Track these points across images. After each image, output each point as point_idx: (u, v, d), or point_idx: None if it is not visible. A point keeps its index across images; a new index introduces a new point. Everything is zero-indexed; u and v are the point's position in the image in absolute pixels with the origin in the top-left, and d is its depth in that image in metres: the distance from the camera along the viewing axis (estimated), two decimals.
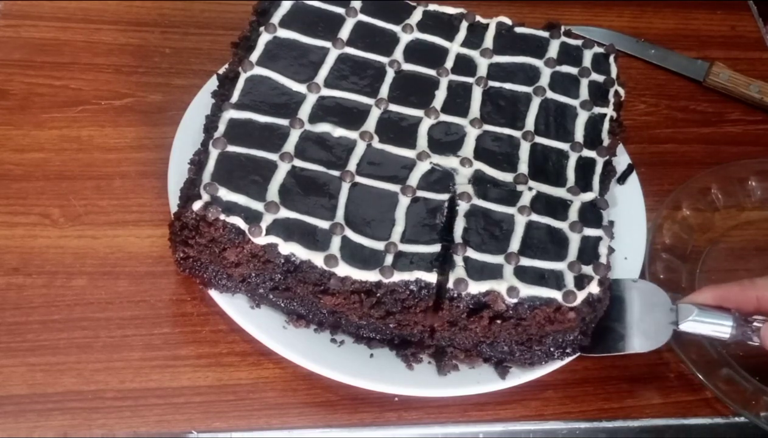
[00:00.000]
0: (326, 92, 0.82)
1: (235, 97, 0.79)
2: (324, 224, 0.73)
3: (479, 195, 0.77)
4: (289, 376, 0.77)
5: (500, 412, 0.78)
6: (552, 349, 0.76)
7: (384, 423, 0.76)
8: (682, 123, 1.03)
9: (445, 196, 0.77)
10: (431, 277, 0.72)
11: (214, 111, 0.81)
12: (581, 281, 0.72)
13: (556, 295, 0.71)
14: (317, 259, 0.71)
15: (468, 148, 0.81)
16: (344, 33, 0.86)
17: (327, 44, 0.85)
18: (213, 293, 0.77)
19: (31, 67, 0.94)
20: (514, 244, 0.74)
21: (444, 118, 0.83)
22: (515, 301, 0.71)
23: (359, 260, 0.72)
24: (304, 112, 0.80)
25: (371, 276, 0.71)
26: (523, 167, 0.81)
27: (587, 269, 0.73)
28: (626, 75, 0.92)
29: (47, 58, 0.96)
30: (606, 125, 0.85)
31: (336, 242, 0.72)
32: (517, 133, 0.83)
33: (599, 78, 0.88)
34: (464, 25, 0.90)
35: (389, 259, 0.72)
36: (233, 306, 0.77)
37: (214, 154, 0.75)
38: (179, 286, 0.81)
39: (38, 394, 0.74)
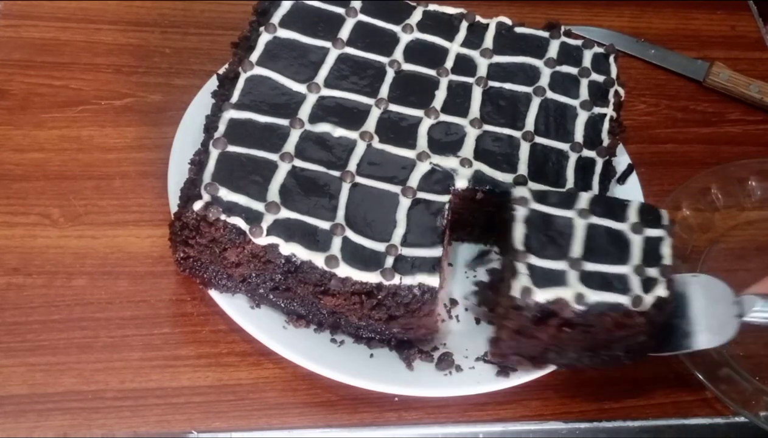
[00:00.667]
0: (326, 92, 0.82)
1: (235, 97, 0.79)
2: (325, 225, 0.73)
3: (537, 199, 0.76)
4: (289, 376, 0.77)
5: (500, 412, 0.78)
6: (619, 353, 0.75)
7: (384, 423, 0.76)
8: (682, 123, 1.03)
9: (445, 198, 0.77)
10: (433, 281, 0.72)
11: (214, 111, 0.81)
12: (648, 285, 0.71)
13: (624, 300, 0.70)
14: (318, 259, 0.71)
15: (468, 149, 0.81)
16: (344, 33, 0.86)
17: (327, 44, 0.85)
18: (213, 293, 0.77)
19: (31, 67, 0.94)
20: (576, 249, 0.73)
21: (444, 118, 0.83)
22: (583, 308, 0.70)
23: (360, 261, 0.72)
24: (304, 112, 0.80)
25: (372, 277, 0.71)
26: (523, 168, 0.81)
27: (652, 271, 0.72)
28: (626, 75, 0.92)
29: (47, 58, 0.96)
30: (606, 125, 0.85)
31: (337, 243, 0.72)
32: (517, 134, 0.83)
33: (599, 78, 0.88)
34: (464, 25, 0.90)
35: (390, 261, 0.72)
36: (233, 306, 0.77)
37: (214, 154, 0.75)
38: (179, 286, 0.81)
39: (38, 394, 0.74)
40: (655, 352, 0.76)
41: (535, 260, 0.72)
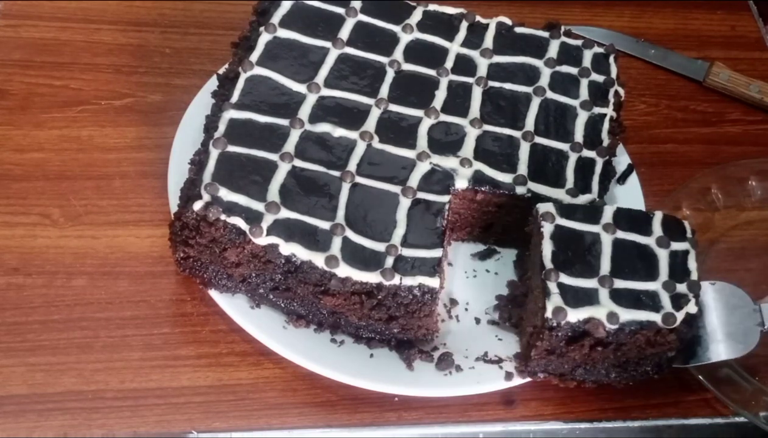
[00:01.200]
0: (326, 92, 0.82)
1: (235, 97, 0.79)
2: (325, 225, 0.73)
3: (562, 214, 0.75)
4: (289, 376, 0.77)
5: (500, 412, 0.78)
6: (648, 369, 0.75)
7: (384, 423, 0.76)
8: (682, 123, 1.03)
9: (445, 198, 0.77)
10: (434, 282, 0.72)
11: (214, 111, 0.81)
12: (678, 301, 0.71)
13: (655, 317, 0.70)
14: (318, 259, 0.71)
15: (468, 149, 0.81)
16: (344, 33, 0.86)
17: (327, 44, 0.85)
18: (213, 293, 0.77)
19: (31, 67, 0.94)
20: (605, 266, 0.73)
21: (444, 118, 0.83)
22: (615, 327, 0.70)
23: (360, 261, 0.72)
24: (304, 112, 0.80)
25: (372, 277, 0.71)
26: (523, 168, 0.81)
27: (681, 288, 0.72)
28: (626, 75, 0.92)
29: (47, 58, 0.96)
30: (606, 125, 0.85)
31: (337, 243, 0.72)
32: (517, 134, 0.83)
33: (599, 78, 0.88)
34: (464, 25, 0.90)
35: (390, 262, 0.72)
36: (233, 306, 0.77)
37: (214, 154, 0.75)
38: (179, 286, 0.81)
39: (38, 394, 0.74)
40: (681, 365, 0.76)
41: (565, 279, 0.71)
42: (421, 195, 0.77)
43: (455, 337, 0.79)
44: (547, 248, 0.73)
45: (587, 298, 0.71)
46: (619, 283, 0.72)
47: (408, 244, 0.74)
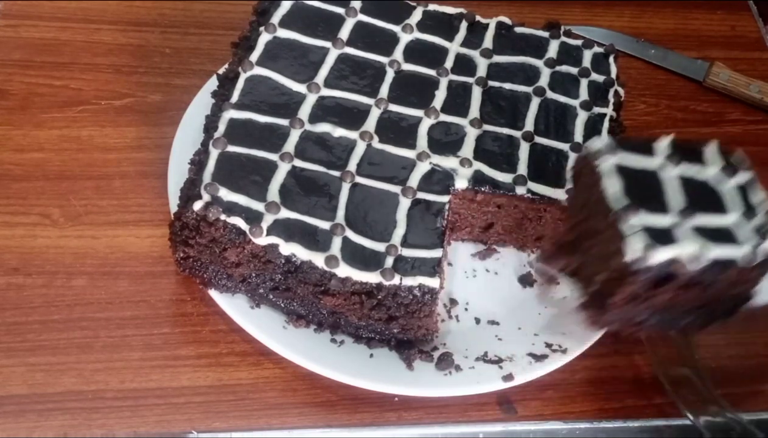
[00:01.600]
0: (326, 92, 0.82)
1: (235, 97, 0.79)
2: (325, 225, 0.73)
3: (617, 149, 0.67)
4: (289, 376, 0.77)
5: (500, 413, 0.78)
6: (722, 312, 0.70)
7: (384, 423, 0.76)
8: (682, 123, 1.03)
9: (445, 198, 0.77)
10: (434, 283, 0.72)
11: (214, 111, 0.81)
12: (760, 233, 0.66)
13: (742, 251, 0.64)
14: (318, 259, 0.71)
15: (468, 149, 0.81)
16: (344, 33, 0.86)
17: (327, 44, 0.85)
18: (213, 293, 0.77)
19: (31, 67, 0.94)
20: (677, 201, 0.65)
21: (444, 118, 0.83)
22: (704, 264, 0.64)
23: (360, 261, 0.72)
24: (304, 112, 0.80)
25: (372, 277, 0.71)
26: (523, 168, 0.81)
27: (758, 220, 0.66)
28: (626, 75, 0.92)
29: (47, 58, 0.95)
30: (606, 125, 0.85)
31: (337, 243, 0.72)
32: (516, 134, 0.83)
33: (599, 78, 0.88)
34: (464, 25, 0.90)
35: (389, 262, 0.72)
36: (233, 306, 0.77)
37: (214, 154, 0.75)
38: (179, 286, 0.81)
39: (38, 394, 0.74)
40: (754, 305, 0.70)
41: (644, 216, 0.63)
42: (421, 195, 0.77)
43: (455, 337, 0.79)
44: (612, 186, 0.65)
45: (669, 236, 0.63)
46: (699, 219, 0.65)
47: (408, 244, 0.74)
